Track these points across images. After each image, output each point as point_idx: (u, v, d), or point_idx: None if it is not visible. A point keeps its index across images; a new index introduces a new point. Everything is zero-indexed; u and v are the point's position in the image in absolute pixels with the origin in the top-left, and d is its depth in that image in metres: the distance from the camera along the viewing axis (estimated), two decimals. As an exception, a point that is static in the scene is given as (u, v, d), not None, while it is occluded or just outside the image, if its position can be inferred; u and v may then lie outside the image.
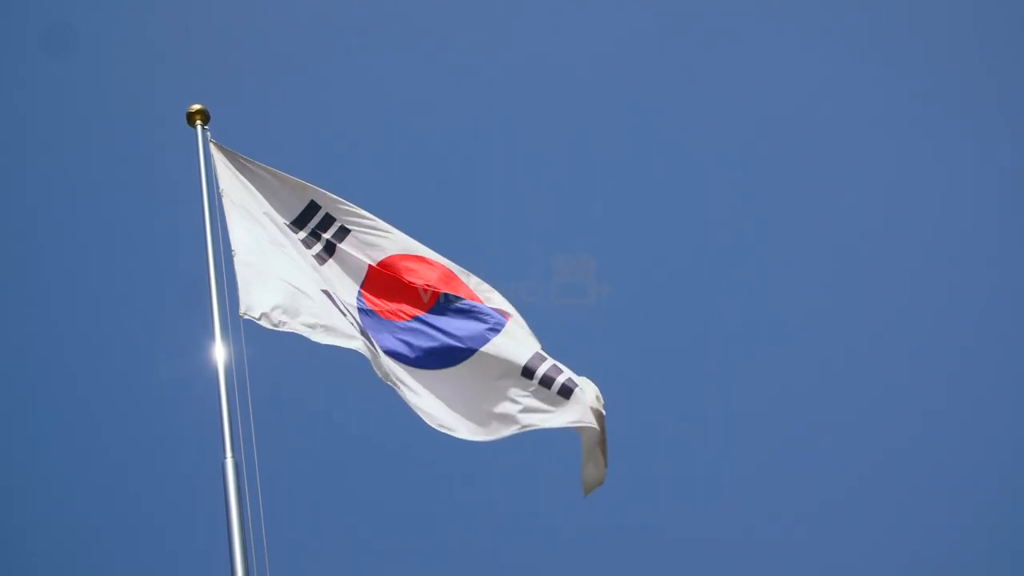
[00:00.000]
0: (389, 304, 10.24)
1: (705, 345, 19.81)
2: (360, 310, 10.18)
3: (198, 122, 10.93)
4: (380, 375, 9.48)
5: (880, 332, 19.68)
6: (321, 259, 10.42)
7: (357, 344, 9.41)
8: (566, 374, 9.75)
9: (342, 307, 9.83)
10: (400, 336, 10.02)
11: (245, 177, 10.68)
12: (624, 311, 18.36)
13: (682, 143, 20.90)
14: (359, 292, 10.29)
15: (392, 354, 9.85)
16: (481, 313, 10.20)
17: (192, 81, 19.64)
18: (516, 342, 10.00)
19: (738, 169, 20.63)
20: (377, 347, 9.71)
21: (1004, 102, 19.96)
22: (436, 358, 9.97)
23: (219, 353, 9.19)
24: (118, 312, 18.78)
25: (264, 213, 10.47)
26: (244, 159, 10.77)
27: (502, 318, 10.18)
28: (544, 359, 9.85)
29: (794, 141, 20.86)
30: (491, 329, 10.08)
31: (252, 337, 9.17)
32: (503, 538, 17.98)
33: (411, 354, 9.96)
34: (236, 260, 9.64)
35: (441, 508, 18.13)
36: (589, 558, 17.87)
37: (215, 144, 10.80)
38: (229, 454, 8.52)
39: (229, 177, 10.56)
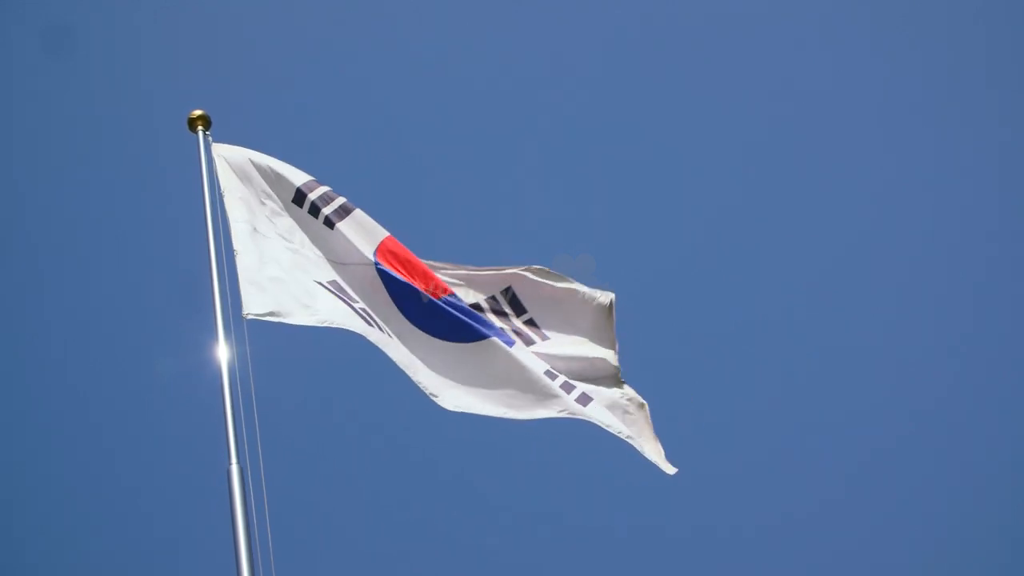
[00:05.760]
0: (408, 269, 10.14)
1: (705, 345, 19.80)
2: (378, 269, 10.08)
3: (199, 127, 10.86)
4: (382, 346, 9.38)
5: (879, 332, 19.68)
6: (330, 223, 10.30)
7: (358, 325, 9.36)
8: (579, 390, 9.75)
9: (347, 295, 9.75)
10: (417, 303, 9.92)
11: (247, 170, 10.57)
12: (624, 311, 18.30)
13: (682, 143, 20.88)
14: (375, 253, 10.18)
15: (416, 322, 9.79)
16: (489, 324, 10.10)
17: (193, 83, 19.63)
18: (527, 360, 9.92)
19: (738, 169, 20.62)
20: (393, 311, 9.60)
21: (1005, 102, 19.94)
22: (459, 331, 9.88)
23: (223, 357, 9.11)
24: (121, 316, 18.75)
25: (265, 200, 10.35)
26: (248, 152, 10.66)
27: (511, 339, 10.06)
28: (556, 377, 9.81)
29: (794, 141, 20.85)
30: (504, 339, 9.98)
31: (256, 338, 9.13)
32: (509, 540, 17.96)
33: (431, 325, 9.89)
34: (238, 259, 9.56)
35: (448, 511, 18.11)
36: (590, 558, 17.85)
37: (216, 144, 10.74)
38: (234, 460, 8.46)
39: (231, 175, 10.45)
